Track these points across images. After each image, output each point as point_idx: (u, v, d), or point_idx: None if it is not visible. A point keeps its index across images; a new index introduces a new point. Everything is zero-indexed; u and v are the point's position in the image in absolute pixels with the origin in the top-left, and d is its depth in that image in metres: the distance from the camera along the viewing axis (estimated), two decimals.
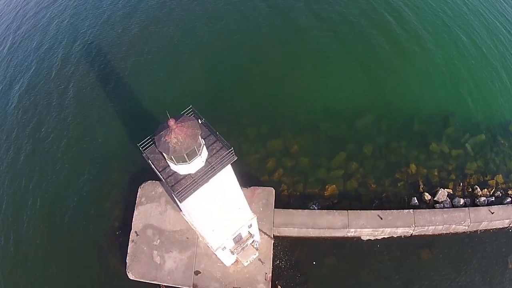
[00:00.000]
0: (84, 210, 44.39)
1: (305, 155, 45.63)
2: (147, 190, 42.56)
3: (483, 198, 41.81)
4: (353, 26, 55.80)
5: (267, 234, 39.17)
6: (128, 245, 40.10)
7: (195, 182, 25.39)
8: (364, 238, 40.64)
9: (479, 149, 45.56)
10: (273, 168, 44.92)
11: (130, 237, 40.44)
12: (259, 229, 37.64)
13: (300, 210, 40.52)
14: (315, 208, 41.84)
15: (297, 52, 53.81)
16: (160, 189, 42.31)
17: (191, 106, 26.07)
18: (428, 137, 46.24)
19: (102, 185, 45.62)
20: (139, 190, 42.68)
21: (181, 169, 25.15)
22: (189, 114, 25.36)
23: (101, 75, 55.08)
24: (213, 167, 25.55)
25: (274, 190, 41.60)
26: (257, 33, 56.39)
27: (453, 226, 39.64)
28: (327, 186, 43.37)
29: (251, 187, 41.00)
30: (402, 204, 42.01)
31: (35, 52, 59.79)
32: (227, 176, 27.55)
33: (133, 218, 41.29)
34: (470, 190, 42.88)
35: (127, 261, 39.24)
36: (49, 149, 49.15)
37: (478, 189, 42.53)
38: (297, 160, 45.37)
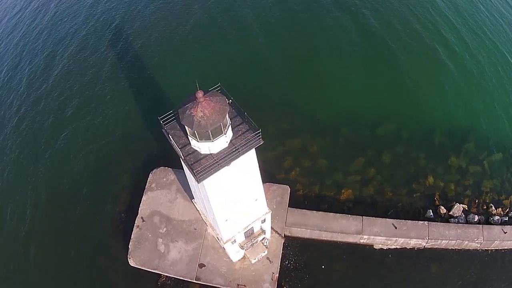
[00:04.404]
0: (91, 190, 43.65)
1: (323, 157, 44.93)
2: (159, 176, 41.42)
3: (496, 217, 41.04)
4: (380, 35, 55.36)
5: (278, 233, 37.97)
6: (132, 230, 38.74)
7: (216, 163, 24.26)
8: (377, 247, 39.57)
9: (496, 167, 44.87)
10: (290, 167, 44.16)
11: (136, 222, 39.08)
12: (271, 226, 36.51)
13: (314, 211, 39.43)
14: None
15: (323, 54, 53.47)
16: (172, 176, 41.20)
17: (219, 83, 25.13)
18: (448, 151, 45.57)
19: (112, 167, 44.94)
20: (150, 175, 41.54)
21: (203, 147, 24.04)
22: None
23: (125, 60, 54.98)
24: (237, 149, 24.49)
25: (289, 189, 40.54)
26: (284, 33, 56.12)
27: (466, 242, 38.64)
28: (343, 190, 42.61)
29: (267, 183, 39.62)
30: (417, 215, 41.12)
31: (72, 26, 60.08)
32: (249, 161, 26.52)
33: (141, 203, 40.05)
34: (485, 207, 42.15)
35: (129, 246, 37.88)
36: (64, 126, 48.89)
37: (493, 208, 41.80)
38: (314, 161, 44.63)
